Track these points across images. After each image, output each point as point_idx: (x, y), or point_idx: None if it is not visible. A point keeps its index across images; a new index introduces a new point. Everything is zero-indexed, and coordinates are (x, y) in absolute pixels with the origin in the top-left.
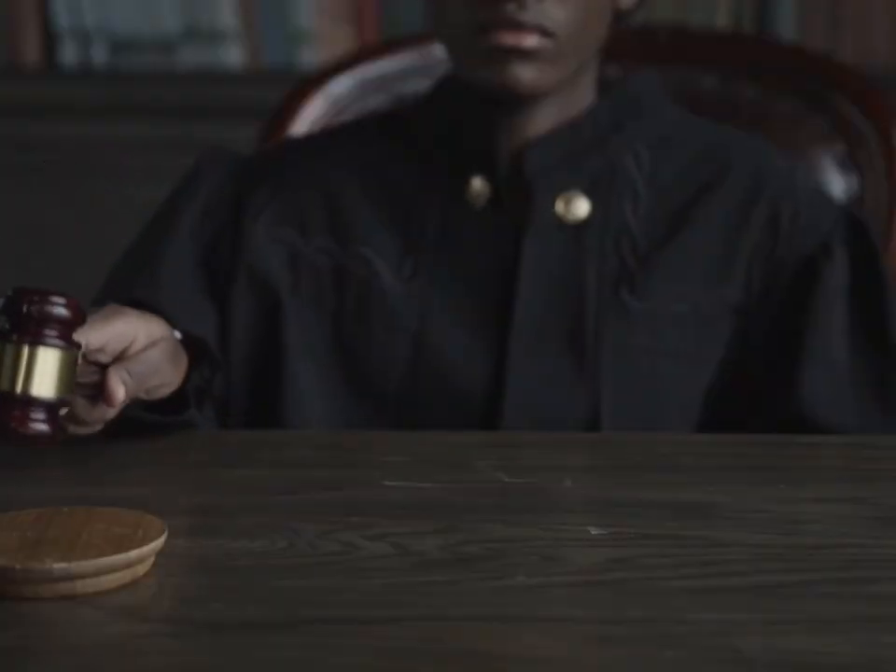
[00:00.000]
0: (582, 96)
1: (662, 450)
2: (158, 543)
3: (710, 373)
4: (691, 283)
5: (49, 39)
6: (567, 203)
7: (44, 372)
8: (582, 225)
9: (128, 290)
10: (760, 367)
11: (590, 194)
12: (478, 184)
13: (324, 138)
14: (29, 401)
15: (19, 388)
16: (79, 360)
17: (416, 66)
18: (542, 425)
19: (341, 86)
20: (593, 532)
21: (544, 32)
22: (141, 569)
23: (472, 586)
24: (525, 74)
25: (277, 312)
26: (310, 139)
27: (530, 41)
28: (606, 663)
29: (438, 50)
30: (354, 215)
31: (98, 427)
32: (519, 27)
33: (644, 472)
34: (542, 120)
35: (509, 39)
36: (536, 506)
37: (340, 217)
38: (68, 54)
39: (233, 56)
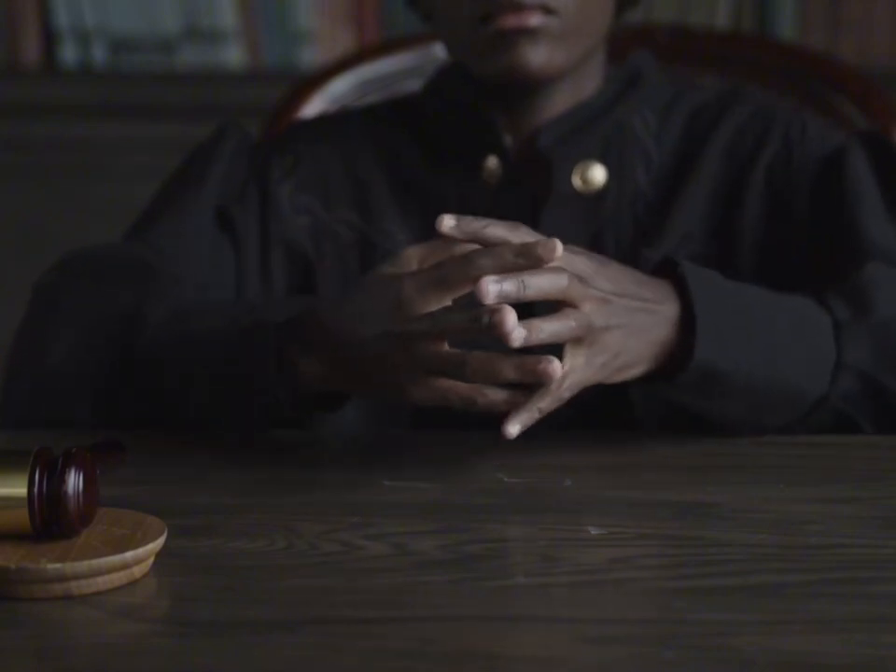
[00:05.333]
0: (590, 86)
1: (662, 450)
2: (155, 545)
3: None
4: (698, 223)
5: (49, 39)
6: (584, 171)
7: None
8: (601, 193)
9: (151, 235)
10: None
11: (604, 160)
12: (493, 162)
13: (344, 118)
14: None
15: None
16: None
17: (416, 66)
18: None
19: (341, 86)
20: (593, 532)
21: (546, 10)
22: (138, 571)
23: (472, 586)
24: (534, 55)
25: (306, 288)
26: (332, 118)
27: (534, 20)
28: (606, 663)
29: (437, 51)
30: (374, 194)
31: None
32: (520, 8)
33: (644, 472)
34: (552, 108)
35: (512, 21)
36: (536, 506)
37: (361, 193)
38: (68, 54)
39: (233, 56)
